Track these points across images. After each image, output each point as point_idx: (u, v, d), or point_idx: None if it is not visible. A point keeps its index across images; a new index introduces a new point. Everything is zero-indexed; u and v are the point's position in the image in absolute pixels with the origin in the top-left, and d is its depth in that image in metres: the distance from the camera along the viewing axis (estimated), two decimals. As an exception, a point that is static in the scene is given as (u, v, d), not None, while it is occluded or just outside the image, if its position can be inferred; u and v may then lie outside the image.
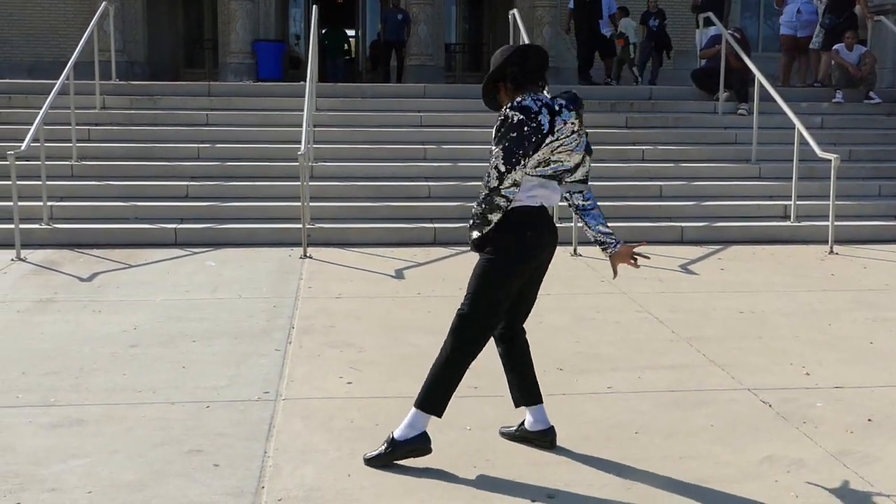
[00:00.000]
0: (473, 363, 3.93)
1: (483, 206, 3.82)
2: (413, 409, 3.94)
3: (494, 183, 3.77)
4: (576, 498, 3.68)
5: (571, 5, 14.76)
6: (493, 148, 3.81)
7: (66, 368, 5.22)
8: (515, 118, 3.77)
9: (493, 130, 3.84)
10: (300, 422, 4.45)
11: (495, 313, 3.93)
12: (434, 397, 3.91)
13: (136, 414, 4.53)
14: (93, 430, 4.31)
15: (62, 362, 5.33)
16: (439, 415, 3.94)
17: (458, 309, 3.93)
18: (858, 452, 4.14)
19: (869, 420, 4.55)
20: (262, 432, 4.31)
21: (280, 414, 4.56)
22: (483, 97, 4.08)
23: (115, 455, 4.03)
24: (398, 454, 3.93)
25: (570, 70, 17.71)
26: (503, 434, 4.27)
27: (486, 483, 3.80)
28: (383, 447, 3.95)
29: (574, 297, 6.94)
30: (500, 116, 3.83)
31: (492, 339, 4.06)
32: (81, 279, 7.51)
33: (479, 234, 3.87)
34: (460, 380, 3.94)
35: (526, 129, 3.76)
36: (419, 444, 3.93)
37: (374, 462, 3.94)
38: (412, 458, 3.93)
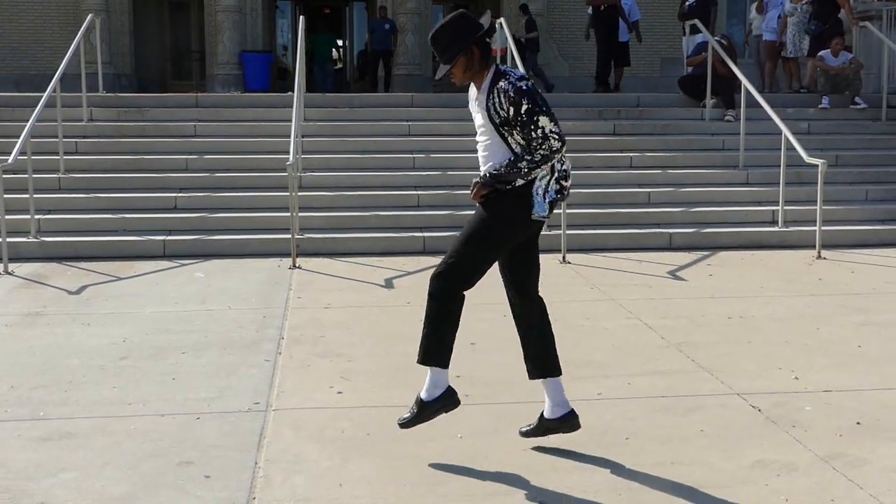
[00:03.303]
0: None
1: (524, 168, 3.81)
2: (428, 369, 4.01)
3: (557, 145, 3.78)
4: (567, 505, 3.69)
5: (591, 12, 14.61)
6: (524, 117, 3.77)
7: (56, 382, 5.20)
8: (530, 84, 3.84)
9: (505, 102, 3.79)
10: (291, 432, 4.44)
11: (478, 272, 3.97)
12: (431, 348, 3.98)
13: (126, 426, 4.52)
14: (83, 444, 4.30)
15: (51, 376, 5.31)
16: (444, 366, 3.99)
17: (443, 261, 3.96)
18: (848, 455, 4.16)
19: (858, 423, 4.57)
20: (252, 443, 4.30)
21: (271, 425, 4.55)
22: (445, 53, 3.88)
23: (106, 468, 4.02)
24: (427, 414, 4.03)
25: (561, 78, 17.73)
26: (524, 434, 4.22)
27: (477, 491, 3.80)
28: (414, 409, 4.04)
29: (564, 304, 6.94)
30: (507, 89, 3.79)
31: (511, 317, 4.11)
32: (70, 292, 7.49)
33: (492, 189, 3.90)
34: (454, 332, 3.99)
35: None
36: (446, 399, 4.03)
37: (408, 425, 4.06)
38: (443, 414, 4.05)
